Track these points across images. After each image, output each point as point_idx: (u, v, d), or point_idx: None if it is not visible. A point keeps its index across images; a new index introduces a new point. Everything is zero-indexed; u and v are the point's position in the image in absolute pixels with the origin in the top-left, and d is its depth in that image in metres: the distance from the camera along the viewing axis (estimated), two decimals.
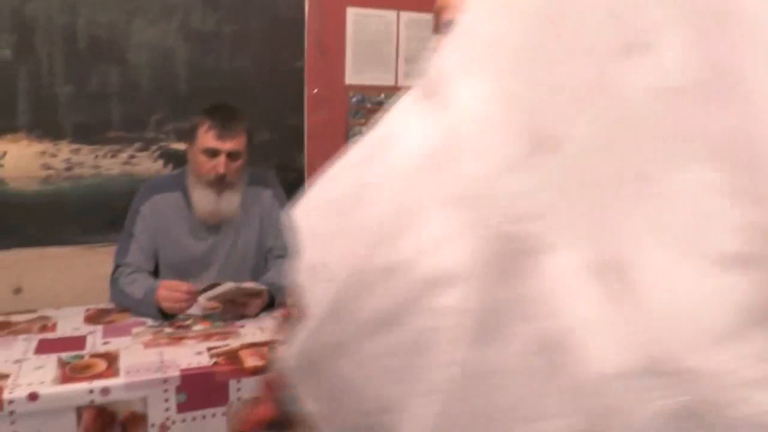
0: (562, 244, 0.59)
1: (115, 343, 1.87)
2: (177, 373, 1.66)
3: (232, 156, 2.20)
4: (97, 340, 1.89)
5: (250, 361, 1.74)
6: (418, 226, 0.63)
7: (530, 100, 0.63)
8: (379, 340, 0.64)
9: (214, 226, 2.31)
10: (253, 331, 1.98)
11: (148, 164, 2.92)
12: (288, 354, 0.73)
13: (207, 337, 1.91)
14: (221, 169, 2.18)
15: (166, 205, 2.31)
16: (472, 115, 0.65)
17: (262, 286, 2.15)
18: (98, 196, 2.86)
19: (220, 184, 2.21)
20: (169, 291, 2.03)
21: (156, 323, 2.02)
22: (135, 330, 1.97)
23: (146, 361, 1.73)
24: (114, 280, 2.22)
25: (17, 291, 2.80)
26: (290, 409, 0.72)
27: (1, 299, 2.75)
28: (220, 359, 1.75)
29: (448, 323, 0.60)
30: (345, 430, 0.67)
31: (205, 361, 1.74)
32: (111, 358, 1.75)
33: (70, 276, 2.85)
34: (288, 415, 0.74)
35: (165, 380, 1.65)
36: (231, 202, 2.27)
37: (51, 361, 1.73)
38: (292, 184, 2.50)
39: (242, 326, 2.01)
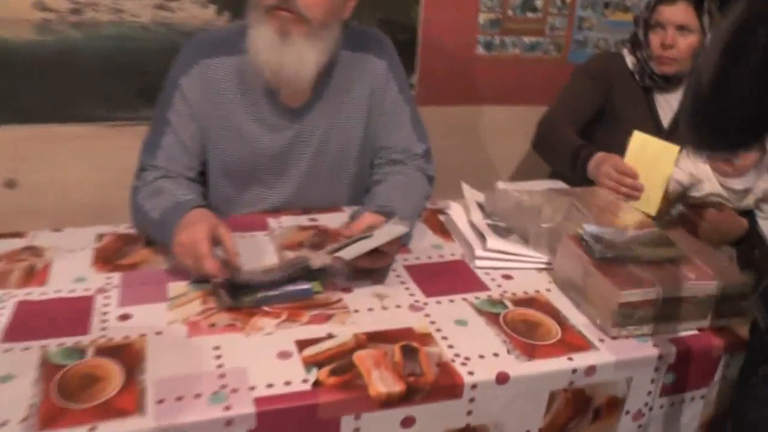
0: None
1: None
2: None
3: None
4: None
5: None
6: None
7: None
8: None
9: (296, 109, 1.47)
10: None
11: (193, 11, 2.07)
12: None
13: None
14: None
15: (222, 75, 1.44)
16: None
17: (402, 228, 1.28)
18: (121, 54, 2.05)
19: (282, 18, 1.34)
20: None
21: None
22: None
23: None
24: (134, 189, 1.42)
25: (10, 184, 2.04)
26: None
27: None
28: None
29: None
30: None
31: None
32: None
33: (83, 165, 2.10)
34: None
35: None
36: (303, 56, 1.37)
37: None
38: (402, 48, 1.66)
39: None
